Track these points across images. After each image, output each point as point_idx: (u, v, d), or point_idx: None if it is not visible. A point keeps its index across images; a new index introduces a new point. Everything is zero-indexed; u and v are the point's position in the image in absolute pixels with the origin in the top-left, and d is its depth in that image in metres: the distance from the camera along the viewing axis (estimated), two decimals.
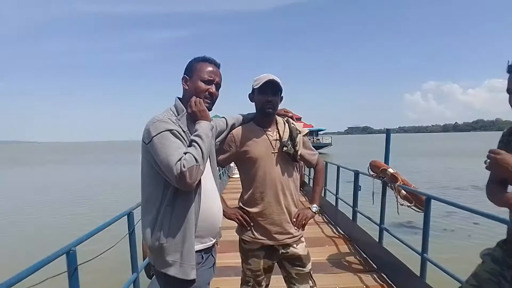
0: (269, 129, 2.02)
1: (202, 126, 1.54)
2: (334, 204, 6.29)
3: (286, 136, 2.00)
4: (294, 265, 2.06)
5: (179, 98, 1.67)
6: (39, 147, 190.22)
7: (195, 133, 1.51)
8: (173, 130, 1.47)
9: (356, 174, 5.00)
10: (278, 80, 1.90)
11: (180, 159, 1.38)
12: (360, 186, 5.00)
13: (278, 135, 2.01)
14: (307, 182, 9.72)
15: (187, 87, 1.64)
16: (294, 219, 2.05)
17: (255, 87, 1.94)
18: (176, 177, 1.37)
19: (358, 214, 5.00)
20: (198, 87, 1.62)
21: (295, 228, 2.05)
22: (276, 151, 1.99)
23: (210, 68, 1.65)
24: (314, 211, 2.14)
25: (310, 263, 2.12)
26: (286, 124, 2.05)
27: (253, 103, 2.02)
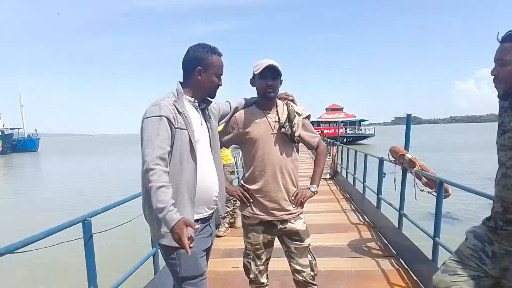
0: (269, 112, 2.13)
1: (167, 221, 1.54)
2: (361, 192, 6.26)
3: (284, 118, 2.09)
4: (292, 240, 2.17)
5: (180, 82, 1.81)
6: (90, 139, 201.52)
7: (161, 214, 1.52)
8: (162, 116, 1.60)
9: (381, 161, 4.96)
10: (277, 65, 2.00)
11: (153, 167, 1.53)
12: (384, 173, 4.95)
13: (277, 117, 2.11)
14: (339, 171, 9.65)
15: (200, 78, 1.77)
16: (293, 198, 2.15)
17: (255, 73, 2.05)
18: (143, 171, 1.56)
19: (382, 201, 4.97)
20: (213, 81, 1.80)
21: (293, 206, 2.15)
22: (275, 132, 2.09)
23: (222, 63, 1.82)
24: (313, 191, 2.22)
25: (309, 238, 2.21)
26: (285, 107, 2.14)
27: (255, 88, 2.14)
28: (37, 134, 55.32)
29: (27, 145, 51.77)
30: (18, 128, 55.87)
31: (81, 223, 2.02)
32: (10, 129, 53.80)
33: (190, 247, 1.50)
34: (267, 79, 2.02)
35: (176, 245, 1.62)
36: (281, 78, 2.09)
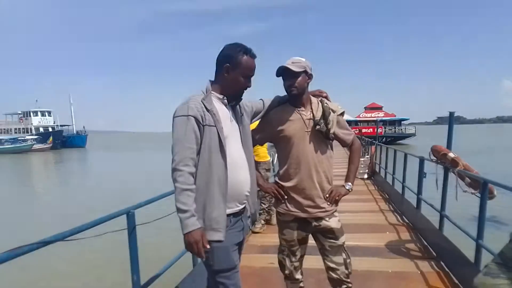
0: (303, 109, 2.14)
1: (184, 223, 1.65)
2: (401, 192, 6.10)
3: (319, 115, 2.09)
4: (327, 238, 2.17)
5: (211, 80, 1.86)
6: (134, 136, 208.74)
7: (182, 215, 1.63)
8: (190, 116, 1.67)
9: (421, 160, 4.81)
10: (291, 66, 2.00)
11: (181, 168, 1.63)
12: (425, 173, 4.81)
13: (311, 114, 2.12)
14: (378, 171, 9.43)
15: (227, 75, 1.80)
16: (327, 195, 2.16)
17: (277, 75, 2.09)
18: (171, 169, 1.66)
19: (422, 202, 4.83)
20: (239, 82, 1.81)
21: (328, 203, 2.15)
22: (310, 130, 2.10)
23: (253, 65, 1.82)
24: (347, 188, 2.21)
25: (344, 237, 2.21)
26: (320, 104, 2.14)
27: None
28: (85, 131, 58.05)
29: (76, 141, 54.55)
30: (68, 125, 58.81)
31: (125, 215, 2.13)
32: (60, 126, 56.86)
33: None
34: (285, 80, 2.06)
35: (211, 238, 1.71)
36: (310, 73, 2.08)
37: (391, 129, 45.68)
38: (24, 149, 44.63)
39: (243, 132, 1.91)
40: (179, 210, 1.63)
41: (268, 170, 4.86)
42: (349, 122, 43.47)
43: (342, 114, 2.21)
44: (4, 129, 55.33)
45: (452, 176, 3.72)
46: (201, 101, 1.72)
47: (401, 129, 46.46)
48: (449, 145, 3.94)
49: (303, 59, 2.06)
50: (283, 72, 2.04)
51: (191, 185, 1.66)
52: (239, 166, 1.84)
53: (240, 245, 1.92)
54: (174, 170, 1.65)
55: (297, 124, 2.11)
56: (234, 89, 1.83)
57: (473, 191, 3.60)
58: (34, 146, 45.85)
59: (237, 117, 1.91)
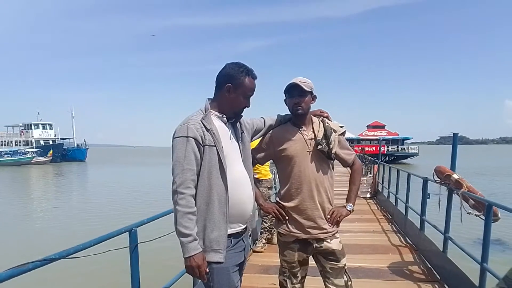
0: (305, 129, 2.14)
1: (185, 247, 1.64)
2: (404, 213, 6.04)
3: (320, 135, 2.09)
4: (328, 260, 2.14)
5: (209, 98, 1.86)
6: (134, 150, 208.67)
7: (184, 239, 1.62)
8: (189, 137, 1.66)
9: (425, 181, 4.78)
10: (301, 84, 2.02)
11: (182, 191, 1.62)
12: (429, 194, 4.77)
13: (313, 134, 2.12)
14: (380, 191, 9.36)
15: (228, 95, 1.80)
16: (329, 216, 2.14)
17: (284, 92, 2.11)
18: (172, 190, 1.65)
19: (425, 223, 4.78)
20: (239, 102, 1.81)
21: (329, 224, 2.13)
22: (311, 149, 2.10)
23: (254, 86, 1.84)
24: (349, 209, 2.20)
25: (345, 258, 2.18)
26: (321, 124, 2.15)
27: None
28: (85, 144, 57.87)
29: (76, 154, 54.36)
30: (69, 138, 58.70)
31: (127, 233, 2.12)
32: (61, 139, 56.83)
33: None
34: (293, 97, 2.06)
35: (211, 260, 1.69)
36: (314, 94, 2.11)
37: (393, 148, 45.68)
38: (24, 161, 44.54)
39: (243, 150, 1.90)
40: (180, 234, 1.62)
41: (270, 188, 4.84)
42: (351, 140, 43.47)
43: (343, 134, 2.22)
44: (5, 141, 55.54)
45: (455, 198, 3.69)
46: (201, 121, 1.72)
47: (404, 148, 46.43)
48: (453, 167, 3.92)
49: (309, 80, 2.08)
50: (291, 89, 2.05)
51: (193, 207, 1.65)
52: (241, 185, 1.82)
53: (241, 265, 1.90)
54: (175, 192, 1.64)
55: (299, 144, 2.11)
56: (233, 108, 1.83)
57: (477, 213, 3.56)
58: (34, 159, 45.75)
59: (237, 134, 1.90)
